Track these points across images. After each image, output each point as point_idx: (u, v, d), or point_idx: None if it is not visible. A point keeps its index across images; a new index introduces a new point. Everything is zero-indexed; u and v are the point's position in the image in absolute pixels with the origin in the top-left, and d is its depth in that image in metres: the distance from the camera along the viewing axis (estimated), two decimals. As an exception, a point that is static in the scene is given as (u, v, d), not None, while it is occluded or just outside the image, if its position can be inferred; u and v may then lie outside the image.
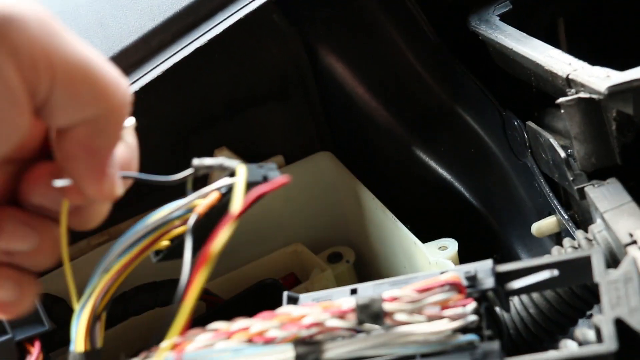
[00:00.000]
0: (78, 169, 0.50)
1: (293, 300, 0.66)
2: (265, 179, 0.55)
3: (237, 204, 0.52)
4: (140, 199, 0.83)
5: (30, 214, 0.52)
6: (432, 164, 1.05)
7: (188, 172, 0.55)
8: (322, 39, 1.05)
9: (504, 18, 0.90)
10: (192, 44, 0.83)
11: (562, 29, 0.98)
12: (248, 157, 1.04)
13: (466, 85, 1.02)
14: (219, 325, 0.58)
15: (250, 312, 0.60)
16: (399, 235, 0.94)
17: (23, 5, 0.45)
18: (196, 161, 0.55)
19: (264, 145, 1.06)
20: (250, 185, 0.54)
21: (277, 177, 0.55)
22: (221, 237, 0.51)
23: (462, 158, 1.04)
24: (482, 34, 0.90)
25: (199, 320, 0.96)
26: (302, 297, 0.67)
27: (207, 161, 0.55)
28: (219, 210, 0.55)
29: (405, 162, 1.06)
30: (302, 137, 1.07)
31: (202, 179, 0.57)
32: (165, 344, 0.57)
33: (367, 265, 1.07)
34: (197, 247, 0.53)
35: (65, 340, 0.88)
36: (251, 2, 0.86)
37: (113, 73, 0.49)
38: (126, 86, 0.50)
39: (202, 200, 0.55)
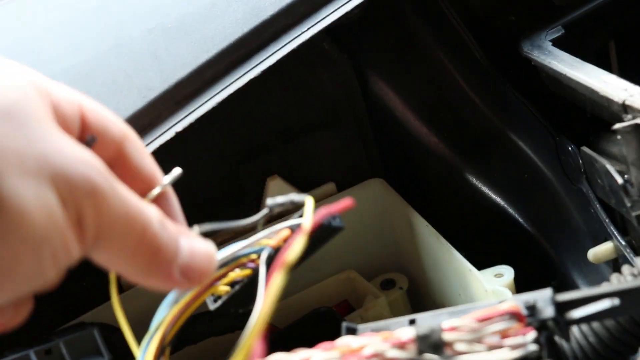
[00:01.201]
0: (139, 283, 0.52)
1: (351, 331, 0.66)
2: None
3: (308, 219, 0.54)
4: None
5: None
6: (485, 189, 1.05)
7: (263, 212, 0.57)
8: (373, 65, 1.05)
9: (556, 43, 0.90)
10: (246, 76, 0.84)
11: (614, 52, 0.97)
12: (300, 184, 1.04)
13: (518, 110, 1.02)
14: (279, 356, 0.58)
15: (306, 341, 0.60)
16: (453, 262, 0.94)
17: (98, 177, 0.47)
18: (270, 201, 0.57)
19: (315, 173, 1.06)
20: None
21: (343, 200, 0.56)
22: (295, 246, 0.52)
23: (515, 183, 1.04)
24: (535, 59, 0.89)
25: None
26: (361, 327, 0.67)
27: (279, 199, 0.57)
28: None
29: (458, 187, 1.06)
30: (353, 164, 1.07)
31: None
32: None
33: (420, 292, 1.07)
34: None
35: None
36: (303, 32, 0.87)
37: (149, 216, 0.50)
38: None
39: (268, 239, 0.57)
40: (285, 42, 0.85)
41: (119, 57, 0.84)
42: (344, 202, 0.56)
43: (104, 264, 0.50)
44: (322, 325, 0.96)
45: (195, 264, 0.52)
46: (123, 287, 0.96)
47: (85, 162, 0.46)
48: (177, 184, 0.95)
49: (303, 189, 1.05)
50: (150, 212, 0.50)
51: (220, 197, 1.02)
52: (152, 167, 0.55)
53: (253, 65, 0.84)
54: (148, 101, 0.81)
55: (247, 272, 0.60)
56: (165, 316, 0.57)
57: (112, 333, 0.92)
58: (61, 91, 0.50)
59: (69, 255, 0.46)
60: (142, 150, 0.54)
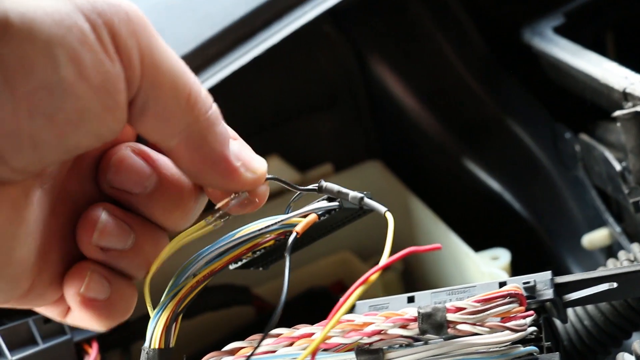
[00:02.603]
0: (205, 180, 0.50)
1: (351, 309, 0.66)
2: None
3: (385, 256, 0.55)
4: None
5: (127, 213, 0.51)
6: (482, 174, 1.06)
7: (314, 186, 0.57)
8: (373, 49, 1.05)
9: (557, 31, 0.90)
10: (249, 54, 0.84)
11: (612, 42, 0.98)
12: (298, 164, 1.05)
13: (516, 97, 1.02)
14: (281, 331, 0.59)
15: (300, 319, 0.60)
16: (450, 245, 0.94)
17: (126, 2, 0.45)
18: (325, 184, 0.57)
19: (313, 154, 1.07)
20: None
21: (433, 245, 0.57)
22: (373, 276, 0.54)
23: (512, 169, 1.04)
24: (536, 46, 0.90)
25: (249, 326, 0.97)
26: (358, 304, 0.67)
27: (342, 190, 0.57)
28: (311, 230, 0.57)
29: (454, 172, 1.07)
30: (351, 145, 1.08)
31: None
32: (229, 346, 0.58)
33: (415, 274, 1.07)
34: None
35: (120, 342, 0.90)
36: (306, 13, 0.87)
37: (196, 82, 0.48)
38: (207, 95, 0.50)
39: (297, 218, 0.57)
40: (287, 22, 0.85)
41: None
42: (432, 246, 0.57)
43: (150, 133, 0.47)
44: (317, 303, 0.97)
45: (248, 156, 0.52)
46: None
47: None
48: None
49: (301, 169, 1.06)
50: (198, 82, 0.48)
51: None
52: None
53: (256, 43, 0.84)
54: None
55: (270, 242, 0.60)
56: (182, 285, 0.57)
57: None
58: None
59: (102, 69, 0.43)
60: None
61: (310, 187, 0.57)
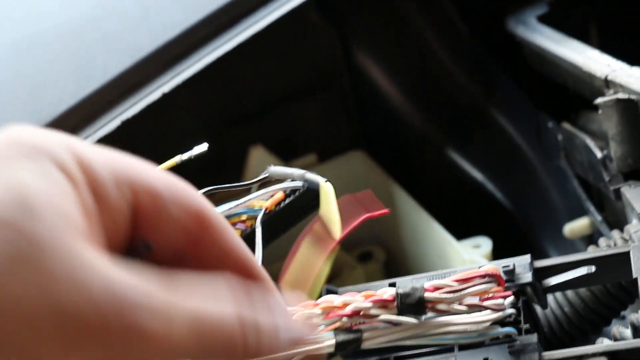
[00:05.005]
0: None
1: (333, 293, 0.66)
2: None
3: (331, 211, 0.56)
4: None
5: None
6: (465, 164, 1.06)
7: (264, 175, 0.58)
8: (358, 38, 1.05)
9: (541, 19, 0.90)
10: (234, 40, 0.84)
11: (595, 31, 0.99)
12: (282, 154, 1.05)
13: (501, 86, 1.03)
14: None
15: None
16: (432, 234, 0.95)
17: None
18: (272, 168, 0.58)
19: (297, 143, 1.06)
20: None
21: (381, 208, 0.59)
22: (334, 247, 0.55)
23: (495, 159, 1.05)
24: (520, 35, 0.90)
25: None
26: (341, 290, 0.68)
27: (286, 170, 0.58)
28: (280, 211, 0.59)
29: (438, 161, 1.07)
30: (336, 135, 1.08)
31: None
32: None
33: (398, 264, 1.08)
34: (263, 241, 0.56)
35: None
36: (292, 0, 0.87)
37: None
38: None
39: (261, 201, 0.58)
40: (273, 8, 0.86)
41: (109, 16, 0.84)
42: (381, 211, 0.59)
43: None
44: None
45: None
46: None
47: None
48: (160, 148, 0.95)
49: (285, 159, 1.06)
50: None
51: (204, 163, 1.02)
52: (241, 251, 0.42)
53: (241, 30, 0.84)
54: (136, 61, 0.81)
55: (237, 232, 0.61)
56: None
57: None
58: (101, 162, 0.37)
59: None
60: (227, 233, 0.41)
61: (259, 177, 0.58)
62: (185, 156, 0.57)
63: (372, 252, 1.07)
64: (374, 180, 1.06)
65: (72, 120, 0.79)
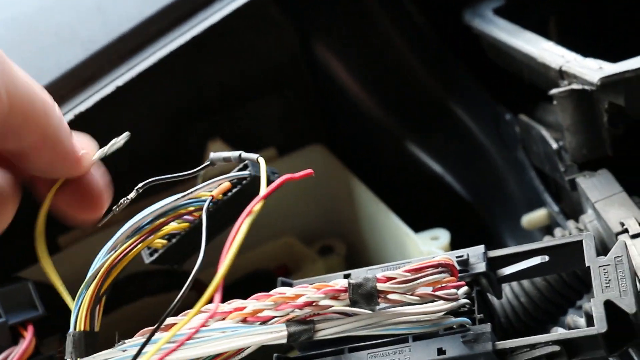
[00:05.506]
0: (56, 173, 0.57)
1: (287, 286, 0.66)
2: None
3: (264, 183, 0.56)
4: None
5: None
6: (424, 156, 1.06)
7: (205, 164, 0.58)
8: (317, 32, 1.05)
9: (497, 12, 0.91)
10: (188, 32, 0.84)
11: (553, 24, 0.99)
12: (241, 148, 1.04)
13: (460, 79, 1.03)
14: (213, 306, 0.59)
15: (242, 298, 0.60)
16: (391, 227, 0.95)
17: None
18: (213, 155, 0.58)
19: (257, 138, 1.06)
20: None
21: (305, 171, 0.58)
22: (257, 203, 0.54)
23: (454, 151, 1.05)
24: (476, 27, 0.91)
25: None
26: (296, 282, 0.67)
27: (224, 154, 0.59)
28: (228, 201, 0.59)
29: (398, 155, 1.07)
30: (296, 129, 1.08)
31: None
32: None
33: (358, 257, 1.08)
34: (210, 232, 0.56)
35: (58, 328, 0.89)
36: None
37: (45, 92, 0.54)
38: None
39: (207, 191, 0.58)
40: (229, 1, 0.85)
41: (63, 9, 0.84)
42: (305, 172, 0.58)
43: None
44: (260, 285, 0.96)
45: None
46: (60, 246, 0.95)
47: None
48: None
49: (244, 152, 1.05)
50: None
51: (161, 157, 1.01)
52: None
53: (197, 22, 0.84)
54: (91, 54, 0.80)
55: (184, 225, 0.61)
56: (101, 265, 0.58)
57: (49, 291, 0.92)
58: None
59: None
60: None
61: (201, 166, 0.59)
62: (107, 148, 0.57)
63: (333, 246, 1.07)
64: (334, 173, 1.06)
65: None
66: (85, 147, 0.58)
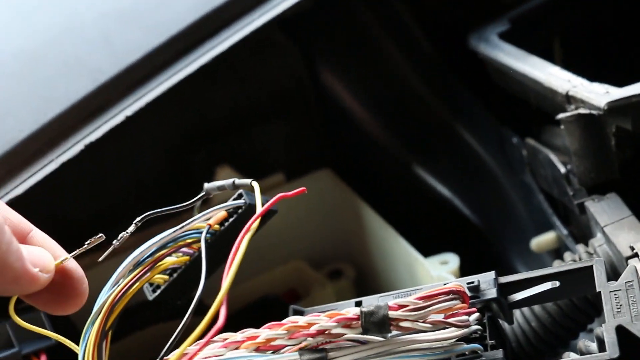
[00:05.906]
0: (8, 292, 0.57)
1: (299, 314, 0.66)
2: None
3: (259, 201, 0.57)
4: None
5: None
6: (431, 180, 1.06)
7: (201, 195, 0.59)
8: (323, 57, 1.06)
9: (502, 37, 0.91)
10: (196, 62, 0.84)
11: (558, 48, 0.99)
12: (249, 174, 1.04)
13: (465, 103, 1.03)
14: (227, 335, 0.59)
15: (253, 326, 0.60)
16: (400, 251, 0.95)
17: None
18: (207, 185, 0.59)
19: (265, 163, 1.06)
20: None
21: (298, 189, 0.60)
22: (252, 228, 0.55)
23: (461, 175, 1.05)
24: (482, 52, 0.91)
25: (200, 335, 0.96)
26: (307, 310, 0.68)
27: (218, 183, 0.60)
28: (225, 231, 0.60)
29: (405, 178, 1.07)
30: (303, 154, 1.08)
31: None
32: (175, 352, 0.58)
33: (368, 281, 1.08)
34: (210, 262, 0.56)
35: (71, 355, 0.89)
36: (254, 20, 0.88)
37: None
38: None
39: (205, 222, 0.59)
40: (236, 30, 0.86)
41: (71, 40, 0.84)
42: (298, 190, 0.58)
43: None
44: (269, 311, 0.97)
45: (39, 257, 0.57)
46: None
47: None
48: (124, 172, 0.95)
49: (252, 178, 1.05)
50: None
51: (170, 185, 1.02)
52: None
53: (204, 52, 0.84)
54: (99, 84, 0.81)
55: (184, 259, 0.61)
56: (104, 300, 0.58)
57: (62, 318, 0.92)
58: None
59: None
60: None
61: (196, 198, 0.60)
62: (78, 252, 0.58)
63: (342, 270, 1.07)
64: (342, 198, 1.06)
65: (35, 145, 0.79)
66: (38, 262, 0.57)
